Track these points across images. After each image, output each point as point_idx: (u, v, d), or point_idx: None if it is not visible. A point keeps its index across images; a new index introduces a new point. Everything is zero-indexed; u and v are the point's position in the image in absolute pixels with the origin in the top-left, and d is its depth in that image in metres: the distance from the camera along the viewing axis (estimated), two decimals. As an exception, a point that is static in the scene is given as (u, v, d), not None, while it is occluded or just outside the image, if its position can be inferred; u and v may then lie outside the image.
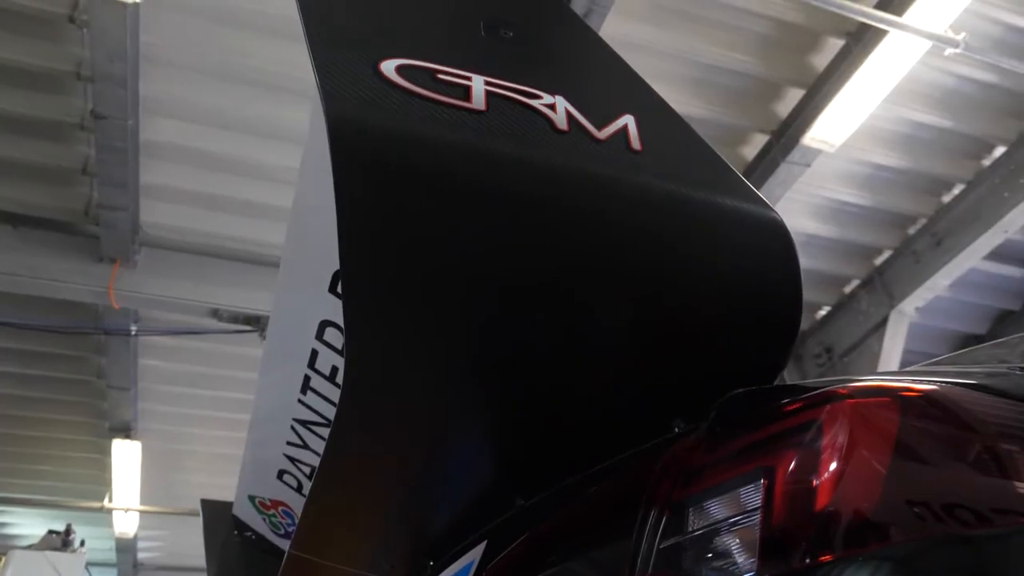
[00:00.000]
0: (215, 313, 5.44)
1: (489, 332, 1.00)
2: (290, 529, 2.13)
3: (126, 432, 6.87)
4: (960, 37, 4.01)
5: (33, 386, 6.70)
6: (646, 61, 4.58)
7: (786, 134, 4.95)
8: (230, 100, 4.61)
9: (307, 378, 1.64)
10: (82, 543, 5.32)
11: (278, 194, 5.12)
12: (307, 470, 1.88)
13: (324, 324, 1.52)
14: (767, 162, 5.07)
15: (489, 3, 1.12)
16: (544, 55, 1.08)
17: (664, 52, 4.57)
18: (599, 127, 0.99)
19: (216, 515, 2.63)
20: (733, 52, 4.61)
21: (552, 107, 0.98)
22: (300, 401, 1.69)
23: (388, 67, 0.93)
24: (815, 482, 0.82)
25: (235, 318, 5.50)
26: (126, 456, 7.04)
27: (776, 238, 1.04)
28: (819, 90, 4.70)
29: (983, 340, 7.14)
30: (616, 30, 4.28)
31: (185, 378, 6.67)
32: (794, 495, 0.83)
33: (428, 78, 0.94)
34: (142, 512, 8.01)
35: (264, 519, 2.25)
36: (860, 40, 4.42)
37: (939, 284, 5.76)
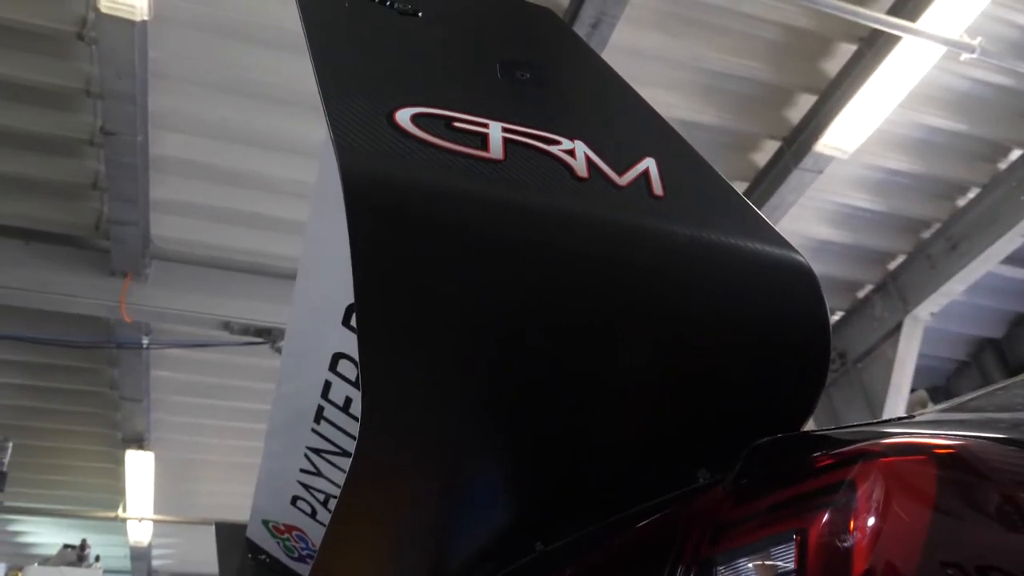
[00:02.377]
0: (226, 326, 5.44)
1: (509, 378, 0.98)
2: (304, 553, 2.12)
3: (139, 443, 6.89)
4: (976, 42, 3.95)
5: (47, 398, 6.73)
6: (656, 69, 4.55)
7: (798, 140, 4.90)
8: (238, 114, 4.61)
9: (320, 408, 1.63)
10: (97, 558, 5.33)
11: (286, 206, 5.12)
12: (321, 497, 1.87)
13: (337, 356, 1.50)
14: (779, 169, 5.03)
15: (505, 44, 1.09)
16: (562, 97, 1.05)
17: (674, 60, 4.53)
18: (620, 172, 0.97)
19: (230, 538, 2.63)
20: (743, 58, 4.57)
21: (571, 153, 0.96)
22: (314, 430, 1.67)
23: (403, 116, 0.91)
24: (851, 544, 0.80)
25: (246, 330, 5.50)
26: (139, 466, 7.07)
27: (802, 282, 1.01)
28: (831, 96, 4.65)
29: (999, 344, 7.06)
30: (626, 39, 4.26)
31: (197, 389, 6.69)
32: (830, 558, 0.80)
33: (444, 127, 0.92)
34: (155, 521, 8.03)
35: (278, 543, 2.24)
36: (873, 45, 4.37)
37: (954, 289, 5.70)
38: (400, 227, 0.86)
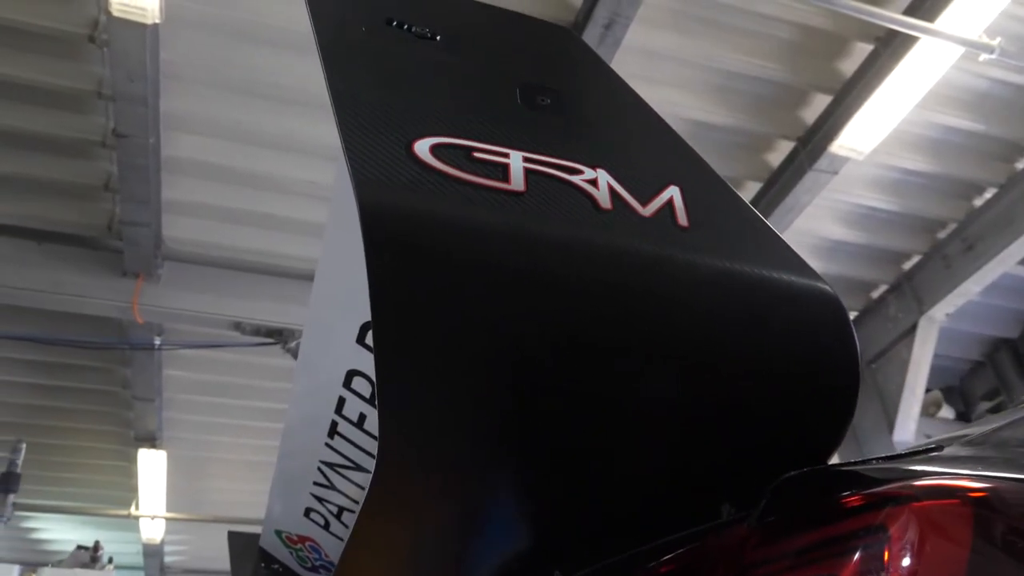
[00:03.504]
0: (237, 326, 5.45)
1: (530, 408, 0.96)
2: (317, 564, 2.12)
3: (151, 441, 6.92)
4: (996, 43, 3.89)
5: (60, 396, 6.77)
6: (670, 69, 4.51)
7: (812, 141, 4.85)
8: (250, 115, 4.60)
9: (334, 423, 1.62)
10: (110, 560, 5.36)
11: (298, 207, 5.12)
12: (334, 509, 1.87)
13: (352, 373, 1.50)
14: (793, 169, 4.98)
15: (525, 67, 1.07)
16: (583, 122, 1.03)
17: (688, 60, 4.49)
18: (643, 202, 0.94)
19: (243, 547, 2.63)
20: (757, 58, 4.53)
21: (594, 182, 0.94)
22: (327, 445, 1.67)
23: (422, 147, 0.89)
24: None
25: (257, 330, 5.50)
26: (152, 465, 7.10)
27: (829, 312, 0.99)
28: (846, 96, 4.60)
29: (1014, 344, 6.99)
30: (640, 39, 4.22)
31: (209, 388, 6.71)
32: (861, 605, 0.78)
33: (464, 158, 0.90)
34: (168, 519, 8.08)
35: (291, 552, 2.24)
36: (889, 45, 4.32)
37: (970, 290, 5.64)
38: (420, 262, 0.85)
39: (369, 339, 1.36)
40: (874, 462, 1.10)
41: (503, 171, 0.90)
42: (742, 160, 5.11)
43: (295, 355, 5.54)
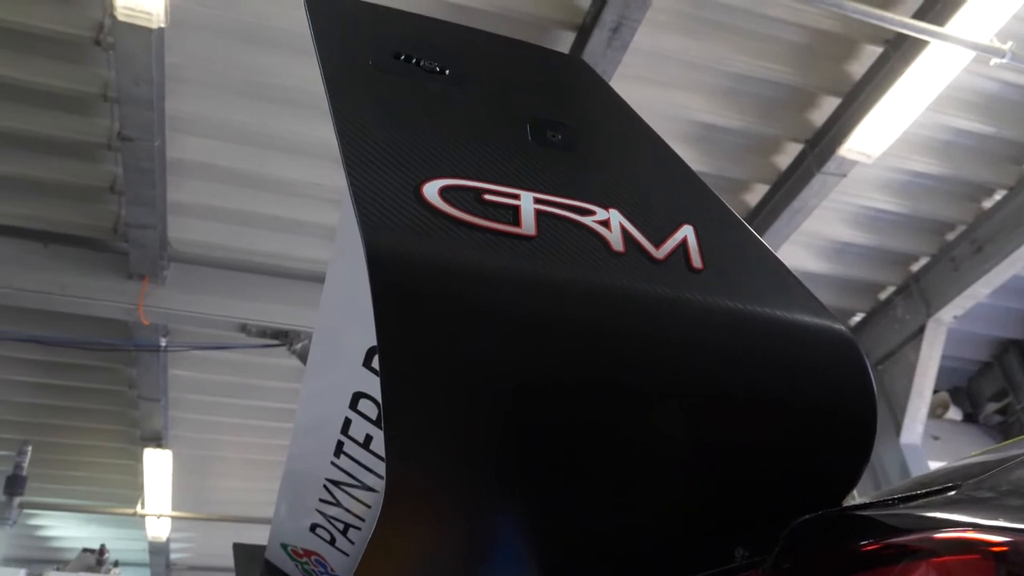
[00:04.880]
0: (243, 328, 5.45)
1: (540, 450, 0.94)
2: (323, 576, 2.11)
3: (157, 441, 6.94)
4: (1007, 47, 3.85)
5: (66, 396, 6.78)
6: (678, 72, 4.48)
7: (820, 144, 4.82)
8: (255, 117, 4.59)
9: (340, 443, 1.62)
10: (116, 563, 5.37)
11: (304, 209, 5.12)
12: (340, 526, 1.86)
13: (358, 395, 1.49)
14: (801, 172, 4.95)
15: (535, 101, 1.05)
16: (595, 158, 1.01)
17: (696, 62, 4.46)
18: (657, 243, 0.92)
19: (248, 558, 2.63)
20: (766, 61, 4.49)
21: (606, 223, 0.92)
22: (333, 463, 1.67)
23: (431, 190, 0.87)
24: None
25: (263, 332, 5.50)
26: (157, 464, 7.11)
27: (846, 354, 0.97)
28: (855, 99, 4.56)
29: (1022, 345, 6.94)
30: (648, 41, 4.19)
31: (214, 388, 6.72)
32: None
33: (474, 200, 0.88)
34: (173, 517, 8.10)
35: (297, 565, 2.24)
36: (899, 48, 4.27)
37: (979, 292, 5.60)
38: (429, 311, 0.83)
39: (375, 363, 1.35)
40: (890, 503, 1.08)
41: (514, 214, 0.89)
42: (750, 162, 5.08)
43: (300, 357, 5.53)
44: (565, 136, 1.00)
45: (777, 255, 0.99)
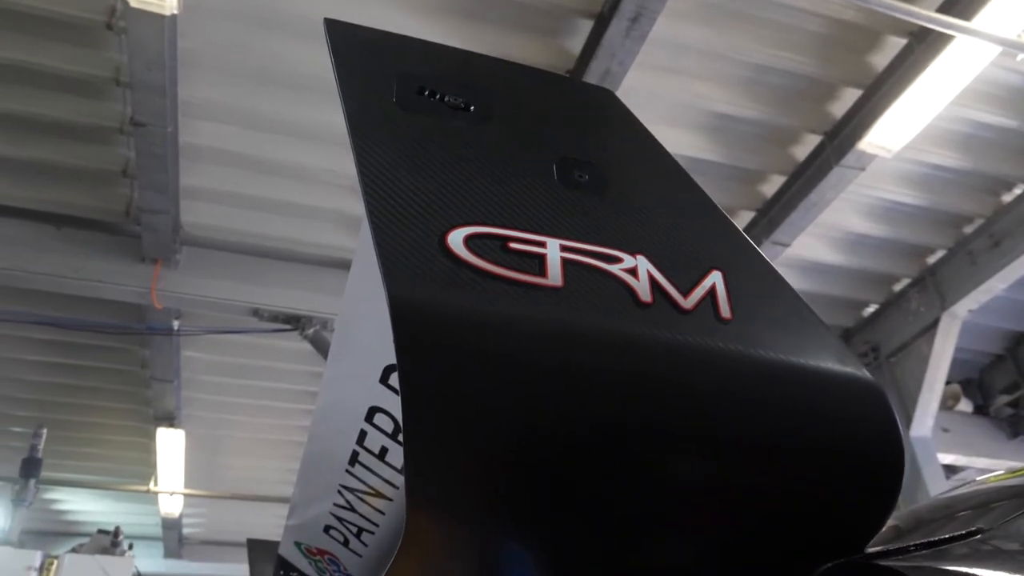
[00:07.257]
0: (255, 312, 5.46)
1: (569, 505, 0.94)
2: (336, 575, 2.14)
3: (170, 420, 7.00)
4: (1034, 42, 3.77)
5: (80, 376, 6.84)
6: (697, 62, 4.41)
7: (840, 136, 4.75)
8: (268, 103, 4.56)
9: (355, 453, 1.63)
10: (130, 546, 5.44)
11: (317, 194, 5.10)
12: (354, 529, 1.88)
13: (374, 410, 1.50)
14: (819, 164, 4.88)
15: (562, 139, 1.02)
16: (622, 200, 0.99)
17: (715, 52, 4.39)
18: (685, 292, 0.91)
19: (262, 553, 2.66)
20: (786, 51, 4.42)
21: (633, 272, 0.90)
22: (348, 471, 1.68)
23: (456, 240, 0.85)
24: None
25: (275, 317, 5.51)
26: (170, 443, 7.19)
27: (872, 404, 0.96)
28: (877, 91, 4.48)
29: (1037, 339, 6.89)
30: (667, 31, 4.12)
31: (226, 369, 6.76)
32: None
33: (499, 249, 0.86)
34: (186, 495, 8.21)
35: (310, 563, 2.27)
36: (923, 40, 4.19)
37: (995, 287, 5.55)
38: (453, 364, 0.82)
39: (392, 380, 1.35)
40: (912, 549, 1.08)
41: (540, 263, 0.87)
42: (768, 153, 5.02)
43: (312, 341, 5.55)
44: (592, 176, 0.98)
45: (804, 301, 0.98)
